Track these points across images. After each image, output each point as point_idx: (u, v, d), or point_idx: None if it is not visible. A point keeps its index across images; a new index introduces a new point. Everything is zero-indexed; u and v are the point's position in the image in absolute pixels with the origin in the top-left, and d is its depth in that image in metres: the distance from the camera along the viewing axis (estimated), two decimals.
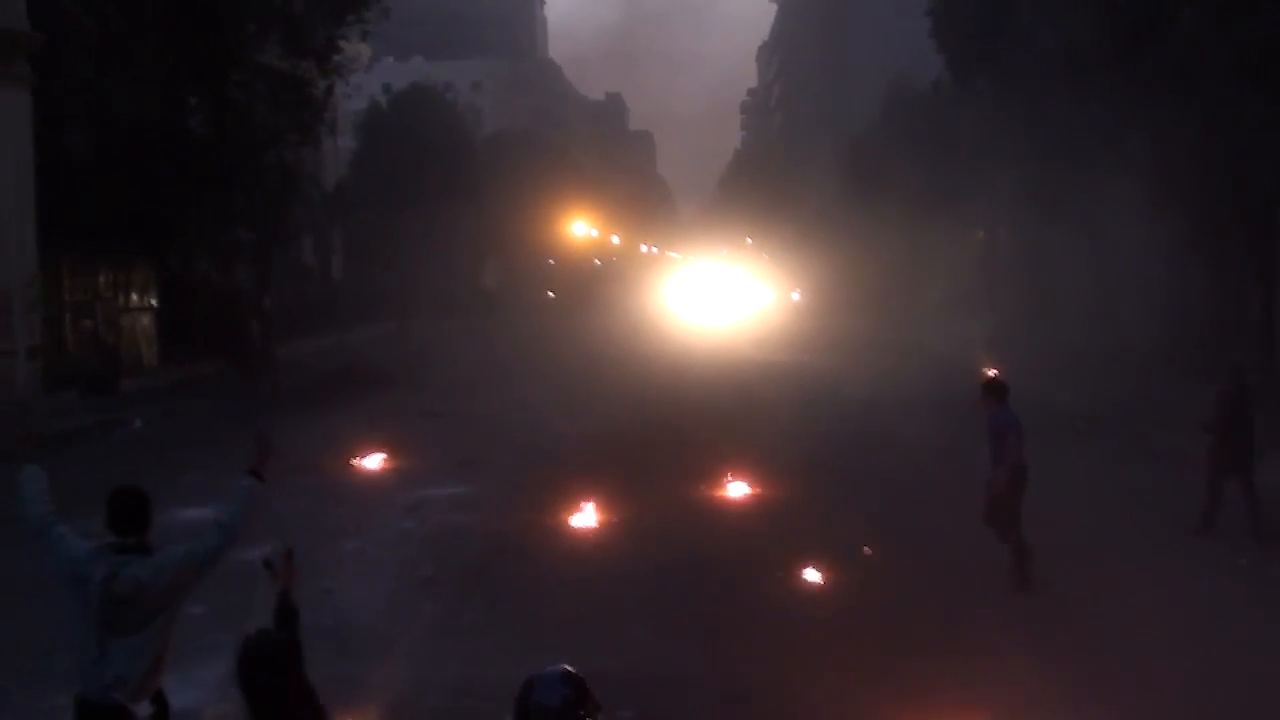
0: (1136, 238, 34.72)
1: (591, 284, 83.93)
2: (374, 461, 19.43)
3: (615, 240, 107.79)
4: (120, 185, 30.87)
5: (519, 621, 11.05)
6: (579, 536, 14.32)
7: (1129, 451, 20.07)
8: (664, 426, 21.99)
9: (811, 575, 11.98)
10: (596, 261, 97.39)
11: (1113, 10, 27.10)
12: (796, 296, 71.62)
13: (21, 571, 13.22)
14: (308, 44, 38.11)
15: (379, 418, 23.96)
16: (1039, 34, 30.93)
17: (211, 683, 9.63)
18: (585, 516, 14.88)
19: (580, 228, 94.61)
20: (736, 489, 16.45)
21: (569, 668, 4.28)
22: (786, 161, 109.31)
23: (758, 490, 16.44)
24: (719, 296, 68.75)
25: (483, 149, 77.32)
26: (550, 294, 78.08)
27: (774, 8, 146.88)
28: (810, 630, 10.55)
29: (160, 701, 6.21)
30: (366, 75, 47.55)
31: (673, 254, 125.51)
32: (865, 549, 12.96)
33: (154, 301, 34.19)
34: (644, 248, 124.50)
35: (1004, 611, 11.01)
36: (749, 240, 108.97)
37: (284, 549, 5.74)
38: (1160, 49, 25.21)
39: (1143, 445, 20.68)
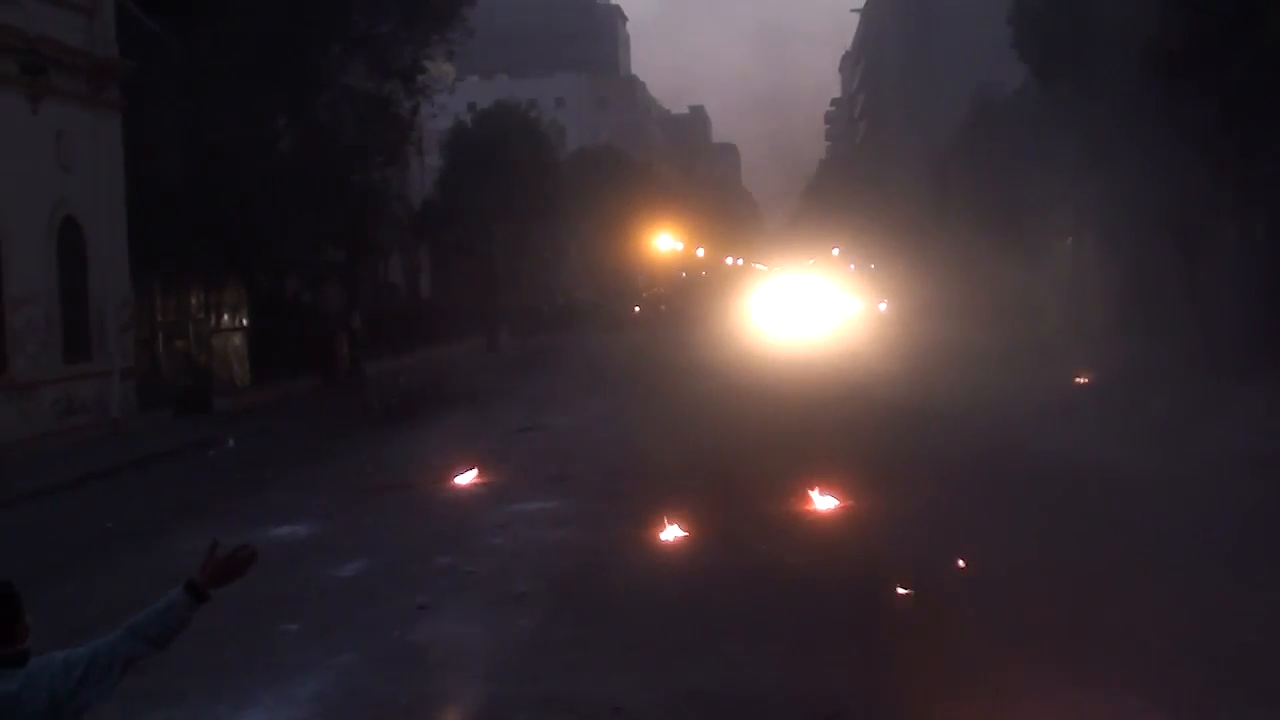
0: (1229, 241, 34.12)
1: (678, 297, 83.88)
2: (464, 477, 19.46)
3: (701, 253, 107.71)
4: (211, 207, 31.32)
5: (610, 636, 11.01)
6: (670, 551, 14.24)
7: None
8: (754, 438, 21.86)
9: (904, 590, 11.82)
10: (683, 274, 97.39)
11: (1201, 10, 26.70)
12: (883, 306, 71.19)
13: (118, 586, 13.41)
14: (393, 65, 38.60)
15: (468, 433, 24.06)
16: (1125, 36, 30.49)
17: (306, 699, 9.67)
18: (676, 530, 14.79)
19: (666, 242, 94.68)
20: (828, 502, 16.30)
21: None
22: (871, 171, 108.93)
23: (849, 503, 16.28)
24: (806, 307, 68.43)
25: (567, 165, 77.59)
26: (636, 309, 78.12)
27: (856, 17, 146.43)
28: (903, 646, 10.39)
29: None
30: (451, 94, 47.89)
31: (759, 265, 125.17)
32: (960, 562, 12.77)
33: (245, 321, 34.61)
34: (730, 260, 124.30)
35: (1107, 625, 10.74)
36: (835, 251, 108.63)
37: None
38: (1253, 48, 24.82)
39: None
